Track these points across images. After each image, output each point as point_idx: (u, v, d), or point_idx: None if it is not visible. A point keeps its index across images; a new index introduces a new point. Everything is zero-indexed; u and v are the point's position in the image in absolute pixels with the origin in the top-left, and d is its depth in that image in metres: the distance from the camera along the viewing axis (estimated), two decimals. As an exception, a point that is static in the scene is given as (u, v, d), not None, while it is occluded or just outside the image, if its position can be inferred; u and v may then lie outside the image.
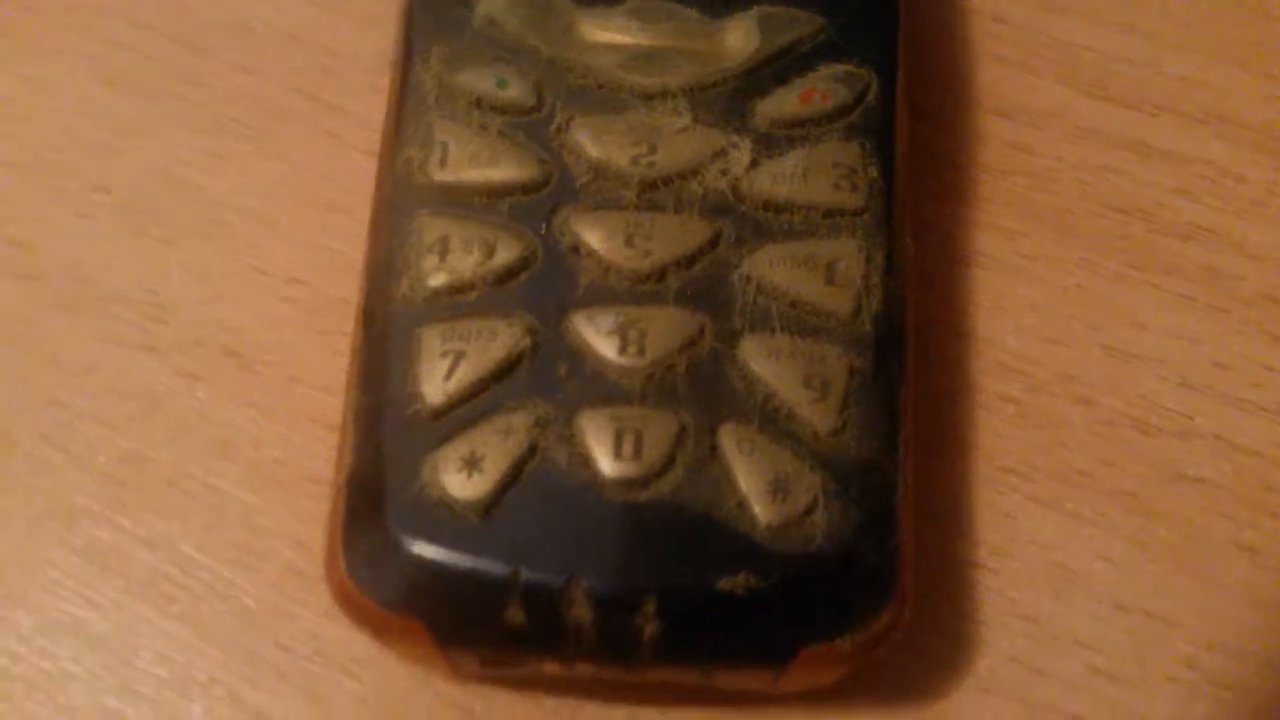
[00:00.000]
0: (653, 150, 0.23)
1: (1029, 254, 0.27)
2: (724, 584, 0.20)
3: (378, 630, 0.21)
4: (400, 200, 0.23)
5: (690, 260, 0.22)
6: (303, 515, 0.24)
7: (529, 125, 0.23)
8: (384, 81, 0.25)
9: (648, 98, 0.24)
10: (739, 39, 0.24)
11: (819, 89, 0.24)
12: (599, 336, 0.21)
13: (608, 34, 0.24)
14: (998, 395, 0.26)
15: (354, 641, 0.23)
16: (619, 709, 0.23)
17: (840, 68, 0.24)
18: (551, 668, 0.21)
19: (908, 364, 0.23)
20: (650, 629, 0.20)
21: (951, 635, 0.24)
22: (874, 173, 0.23)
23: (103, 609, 0.24)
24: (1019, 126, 0.28)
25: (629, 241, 0.22)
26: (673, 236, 0.22)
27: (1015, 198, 0.28)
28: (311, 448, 0.25)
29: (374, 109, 0.26)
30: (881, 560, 0.21)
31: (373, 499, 0.21)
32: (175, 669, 0.23)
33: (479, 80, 0.24)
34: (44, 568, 0.24)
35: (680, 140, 0.23)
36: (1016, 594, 0.24)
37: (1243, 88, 0.29)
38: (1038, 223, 0.27)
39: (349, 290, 0.24)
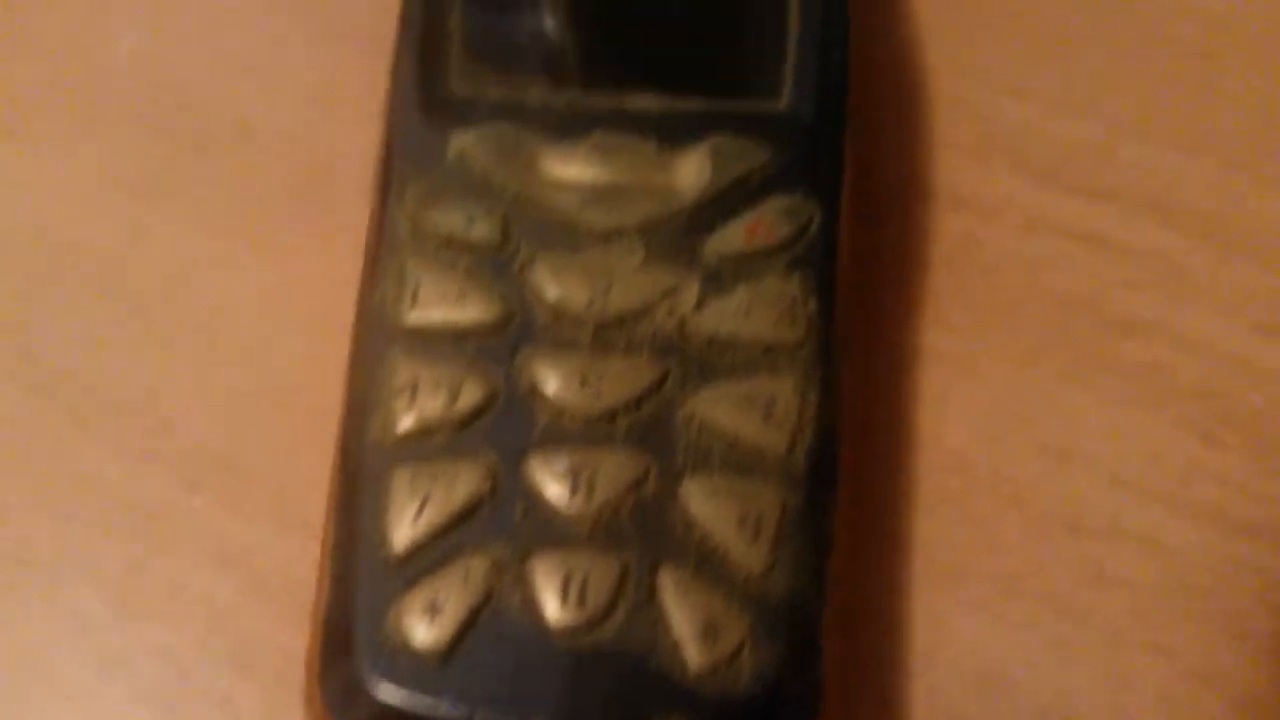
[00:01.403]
0: (607, 291, 0.25)
1: (973, 349, 0.28)
2: (659, 728, 0.22)
3: (351, 762, 0.23)
4: (375, 339, 0.25)
5: (638, 401, 0.24)
6: (291, 623, 0.26)
7: (495, 263, 0.25)
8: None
9: (604, 237, 0.25)
10: (692, 172, 0.26)
11: (764, 222, 0.25)
12: (550, 480, 0.23)
13: (570, 170, 0.26)
14: (936, 495, 0.27)
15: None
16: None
17: (785, 200, 0.26)
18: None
19: (838, 492, 0.24)
20: None
21: (882, 738, 0.25)
22: (813, 306, 0.25)
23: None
24: (970, 216, 0.29)
25: (583, 383, 0.24)
26: (623, 378, 0.24)
27: (964, 292, 0.29)
28: (303, 555, 0.26)
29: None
30: (805, 696, 0.23)
31: (345, 640, 0.23)
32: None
33: (449, 218, 0.25)
34: (58, 678, 0.26)
35: (632, 280, 0.25)
36: (943, 699, 0.25)
37: (1193, 174, 0.30)
38: (984, 317, 0.28)
39: (337, 400, 0.25)
